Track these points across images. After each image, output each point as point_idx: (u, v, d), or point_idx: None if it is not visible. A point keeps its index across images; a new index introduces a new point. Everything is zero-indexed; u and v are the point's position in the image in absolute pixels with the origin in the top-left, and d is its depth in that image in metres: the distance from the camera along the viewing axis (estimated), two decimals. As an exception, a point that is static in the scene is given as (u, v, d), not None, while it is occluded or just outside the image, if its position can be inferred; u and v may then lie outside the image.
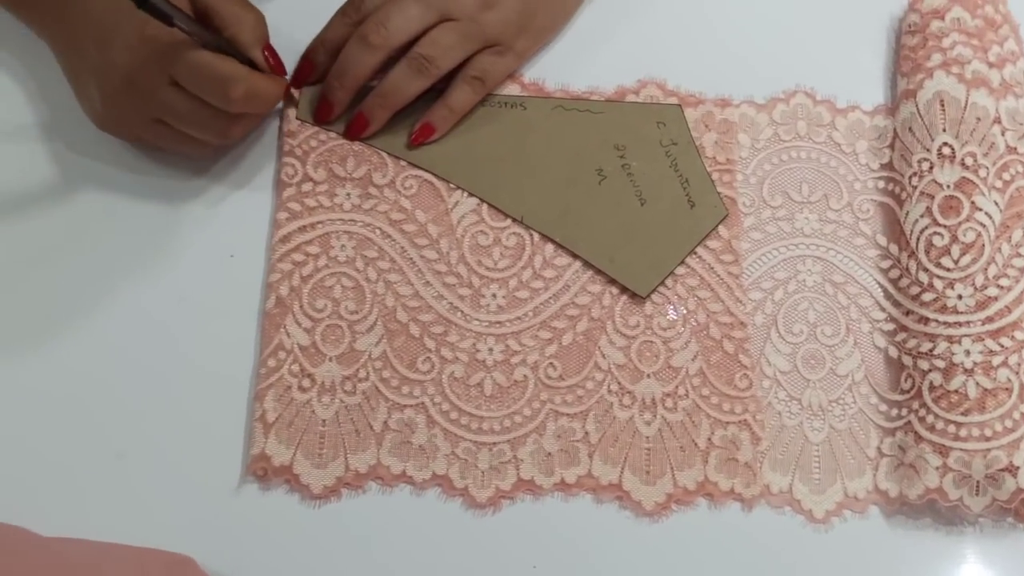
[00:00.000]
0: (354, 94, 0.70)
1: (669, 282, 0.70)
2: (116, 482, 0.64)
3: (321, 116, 0.71)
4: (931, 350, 0.66)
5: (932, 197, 0.68)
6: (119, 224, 0.70)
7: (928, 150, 0.70)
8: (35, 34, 0.70)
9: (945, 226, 0.68)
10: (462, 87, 0.71)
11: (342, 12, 0.70)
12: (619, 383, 0.68)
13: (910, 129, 0.71)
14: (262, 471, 0.64)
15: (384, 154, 0.72)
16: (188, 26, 0.60)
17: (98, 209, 0.70)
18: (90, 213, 0.70)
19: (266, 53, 0.66)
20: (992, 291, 0.66)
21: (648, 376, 0.68)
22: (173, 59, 0.62)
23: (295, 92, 0.72)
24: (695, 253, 0.71)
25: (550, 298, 0.69)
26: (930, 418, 0.65)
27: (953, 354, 0.65)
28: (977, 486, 0.63)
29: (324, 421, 0.65)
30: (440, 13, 0.69)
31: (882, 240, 0.72)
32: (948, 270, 0.67)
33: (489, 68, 0.72)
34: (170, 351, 0.67)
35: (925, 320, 0.67)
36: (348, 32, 0.70)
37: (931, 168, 0.69)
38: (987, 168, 0.68)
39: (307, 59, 0.71)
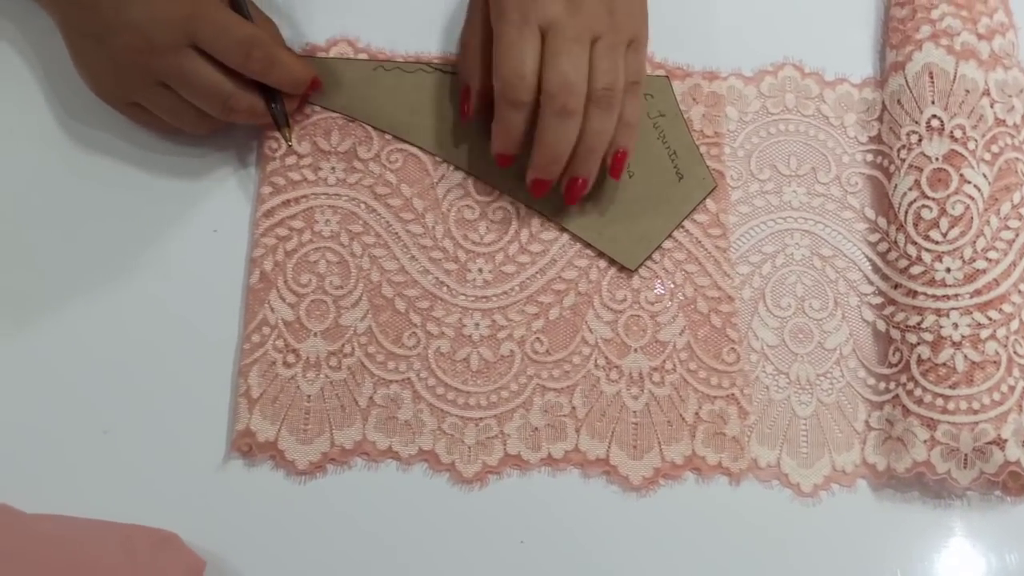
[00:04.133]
0: None
1: (656, 256, 0.70)
2: (101, 458, 0.64)
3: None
4: (919, 323, 0.66)
5: (920, 170, 0.68)
6: (102, 200, 0.69)
7: (917, 123, 0.69)
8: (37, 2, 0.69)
9: (933, 199, 0.67)
10: (630, 100, 0.68)
11: (510, 102, 0.65)
12: (606, 357, 0.67)
13: (899, 101, 0.71)
14: (247, 447, 0.64)
15: (369, 128, 0.71)
16: None
17: (80, 185, 0.69)
18: (72, 189, 0.69)
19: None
20: (980, 264, 0.65)
21: (635, 350, 0.68)
22: (195, 17, 0.62)
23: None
24: (683, 227, 0.70)
25: (537, 272, 0.69)
26: (918, 391, 0.64)
27: (941, 327, 0.65)
28: (965, 459, 0.63)
29: (309, 397, 0.65)
30: (590, 38, 0.65)
31: (870, 213, 0.71)
32: (936, 243, 0.66)
33: (637, 67, 0.68)
34: (154, 327, 0.66)
35: (913, 293, 0.67)
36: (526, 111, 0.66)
37: (920, 141, 0.69)
38: (976, 141, 0.68)
39: (503, 156, 0.68)
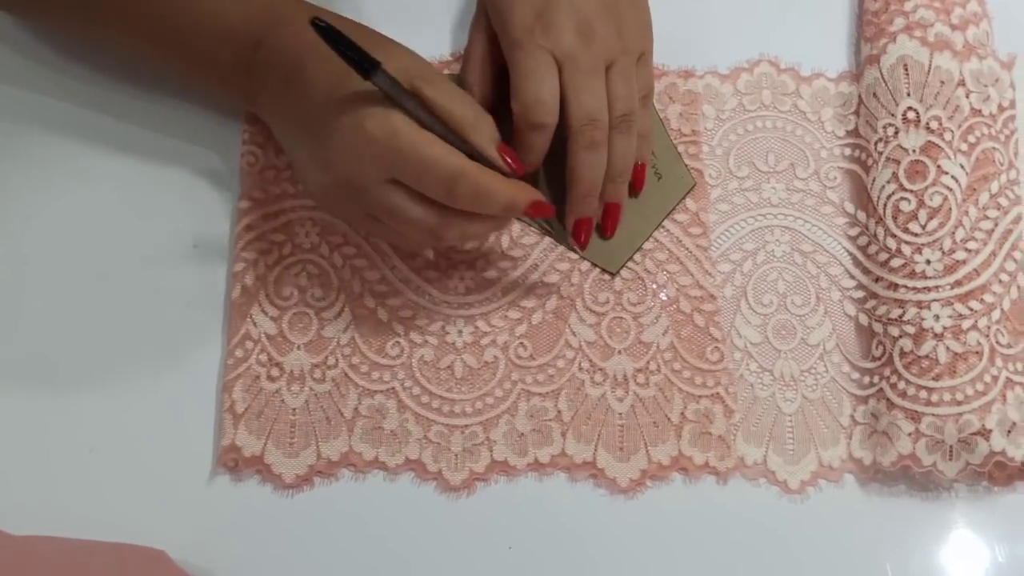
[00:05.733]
0: None
1: (638, 257, 0.70)
2: (88, 478, 0.64)
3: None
4: (901, 316, 0.66)
5: (898, 162, 0.68)
6: (81, 217, 0.69)
7: (893, 115, 0.69)
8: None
9: (912, 191, 0.67)
10: (642, 113, 0.69)
11: (532, 125, 0.64)
12: (590, 360, 0.67)
13: (875, 95, 0.71)
14: (233, 462, 0.64)
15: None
16: (421, 114, 0.59)
17: (58, 201, 0.70)
18: (50, 206, 0.69)
19: (502, 153, 0.61)
20: (960, 255, 0.66)
21: (619, 352, 0.68)
22: (394, 155, 0.58)
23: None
24: (663, 227, 0.70)
25: (518, 277, 0.69)
26: (901, 384, 0.64)
27: (923, 319, 0.65)
28: (950, 451, 0.63)
29: (294, 410, 0.65)
30: (604, 66, 0.65)
31: (850, 207, 0.71)
32: (916, 235, 0.67)
33: (646, 81, 0.69)
34: (137, 343, 0.67)
35: (894, 286, 0.67)
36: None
37: (896, 133, 0.69)
38: (952, 131, 0.68)
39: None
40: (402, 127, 0.58)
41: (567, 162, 0.66)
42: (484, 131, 0.61)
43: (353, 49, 0.55)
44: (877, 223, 0.68)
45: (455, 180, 0.58)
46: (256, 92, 0.65)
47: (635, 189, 0.70)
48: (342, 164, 0.60)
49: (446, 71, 0.74)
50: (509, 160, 0.61)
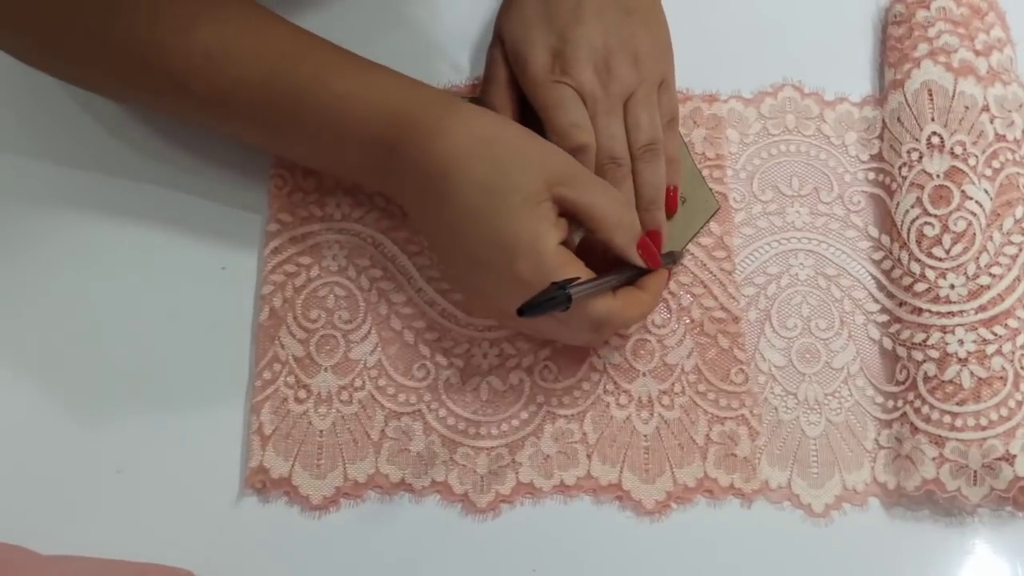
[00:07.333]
0: None
1: (662, 280, 0.70)
2: (115, 498, 0.64)
3: (654, 258, 0.66)
4: (925, 340, 0.66)
5: (922, 187, 0.68)
6: (110, 239, 0.70)
7: (917, 140, 0.70)
8: None
9: (936, 216, 0.68)
10: (670, 137, 0.70)
11: (570, 151, 0.65)
12: (615, 382, 0.68)
13: (899, 119, 0.71)
14: (260, 483, 0.64)
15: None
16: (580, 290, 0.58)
17: (89, 224, 0.70)
18: (81, 228, 0.70)
19: (640, 250, 0.64)
20: (984, 280, 0.66)
21: (644, 374, 0.68)
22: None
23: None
24: (687, 250, 0.71)
25: (543, 300, 0.69)
26: (925, 409, 0.65)
27: (947, 344, 0.65)
28: (974, 476, 0.63)
29: (321, 431, 0.66)
30: (620, 100, 0.67)
31: (874, 231, 0.71)
32: (940, 260, 0.67)
33: (670, 106, 0.70)
34: (165, 365, 0.67)
35: (918, 311, 0.67)
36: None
37: (920, 158, 0.69)
38: (976, 157, 0.68)
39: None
40: (554, 271, 0.58)
41: None
42: (627, 230, 0.63)
43: (551, 302, 0.56)
44: (901, 247, 0.69)
45: (600, 325, 0.62)
46: (393, 188, 0.65)
47: (669, 210, 0.70)
48: (491, 292, 0.62)
49: (467, 98, 0.74)
50: (647, 259, 0.64)
